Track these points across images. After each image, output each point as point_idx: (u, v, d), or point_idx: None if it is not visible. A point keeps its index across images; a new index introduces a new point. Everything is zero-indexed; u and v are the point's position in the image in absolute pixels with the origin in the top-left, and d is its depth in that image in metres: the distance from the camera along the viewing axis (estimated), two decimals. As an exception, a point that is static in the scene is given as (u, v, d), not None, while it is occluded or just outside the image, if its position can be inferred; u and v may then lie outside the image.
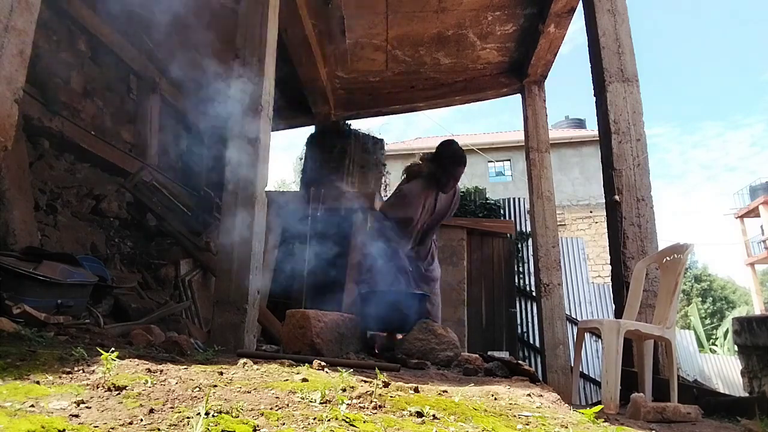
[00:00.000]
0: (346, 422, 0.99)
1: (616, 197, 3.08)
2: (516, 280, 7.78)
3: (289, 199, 6.33)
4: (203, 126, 7.49)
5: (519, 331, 7.42)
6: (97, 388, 1.11)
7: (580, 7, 3.84)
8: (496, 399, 1.51)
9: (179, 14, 4.48)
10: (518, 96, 6.16)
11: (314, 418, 0.99)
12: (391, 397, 1.24)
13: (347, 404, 1.13)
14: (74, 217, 4.70)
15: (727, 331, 15.56)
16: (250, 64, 3.19)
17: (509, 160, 17.41)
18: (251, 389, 1.24)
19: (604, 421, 1.36)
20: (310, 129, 7.44)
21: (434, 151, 3.32)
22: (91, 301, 3.51)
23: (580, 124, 21.18)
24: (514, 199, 9.02)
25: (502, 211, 8.78)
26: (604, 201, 3.32)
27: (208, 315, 4.91)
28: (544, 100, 5.87)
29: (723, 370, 11.68)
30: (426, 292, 3.22)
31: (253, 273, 2.92)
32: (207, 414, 0.92)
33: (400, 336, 3.31)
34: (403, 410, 1.14)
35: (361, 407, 1.14)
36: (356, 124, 7.32)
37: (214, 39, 5.36)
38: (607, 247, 3.34)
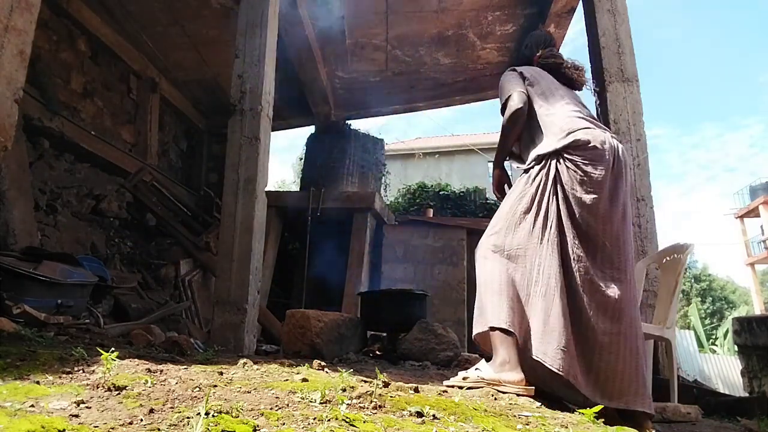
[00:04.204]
0: (346, 422, 0.99)
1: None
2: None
3: (290, 199, 6.33)
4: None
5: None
6: (97, 388, 1.11)
7: (580, 7, 3.84)
8: (496, 399, 1.51)
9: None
10: (518, 96, 6.15)
11: (314, 418, 0.99)
12: (391, 397, 1.23)
13: (347, 404, 1.13)
14: (74, 217, 4.71)
15: (727, 331, 15.54)
16: (250, 64, 3.19)
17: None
18: (251, 389, 1.24)
19: (604, 421, 1.36)
20: (310, 129, 7.45)
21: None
22: (91, 301, 3.51)
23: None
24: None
25: (502, 211, 8.76)
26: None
27: (208, 315, 4.92)
28: (544, 100, 5.86)
29: (723, 370, 11.67)
30: None
31: (253, 273, 2.92)
32: (207, 414, 0.92)
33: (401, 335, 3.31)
34: (403, 410, 1.14)
35: (361, 407, 1.14)
36: (356, 124, 7.33)
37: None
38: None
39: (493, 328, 1.68)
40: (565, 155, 1.76)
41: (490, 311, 1.70)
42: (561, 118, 1.86)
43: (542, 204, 1.74)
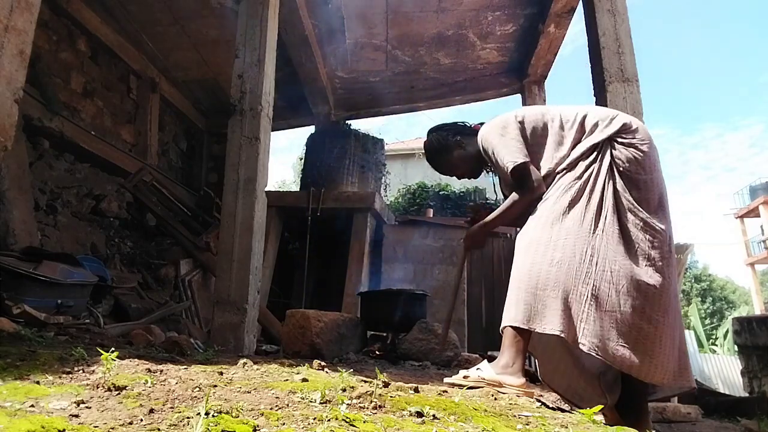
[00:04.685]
0: (346, 422, 0.99)
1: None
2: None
3: (290, 199, 6.33)
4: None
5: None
6: (97, 388, 1.11)
7: (580, 7, 3.84)
8: (496, 399, 1.51)
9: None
10: (518, 96, 6.15)
11: (314, 418, 0.99)
12: (391, 397, 1.23)
13: (347, 404, 1.13)
14: (74, 217, 4.71)
15: (727, 331, 15.54)
16: (250, 64, 3.19)
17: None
18: (251, 389, 1.24)
19: (604, 422, 1.36)
20: (310, 129, 7.45)
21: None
22: (91, 301, 3.51)
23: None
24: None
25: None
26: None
27: (208, 315, 4.91)
28: (545, 101, 5.87)
29: (723, 370, 11.68)
30: None
31: (253, 273, 2.92)
32: (207, 414, 0.92)
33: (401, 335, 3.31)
34: (403, 410, 1.14)
35: (361, 407, 1.14)
36: (356, 124, 7.32)
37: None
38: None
39: (507, 327, 1.66)
40: (619, 139, 1.68)
41: (512, 308, 1.66)
42: (592, 113, 1.78)
43: (594, 193, 1.64)
